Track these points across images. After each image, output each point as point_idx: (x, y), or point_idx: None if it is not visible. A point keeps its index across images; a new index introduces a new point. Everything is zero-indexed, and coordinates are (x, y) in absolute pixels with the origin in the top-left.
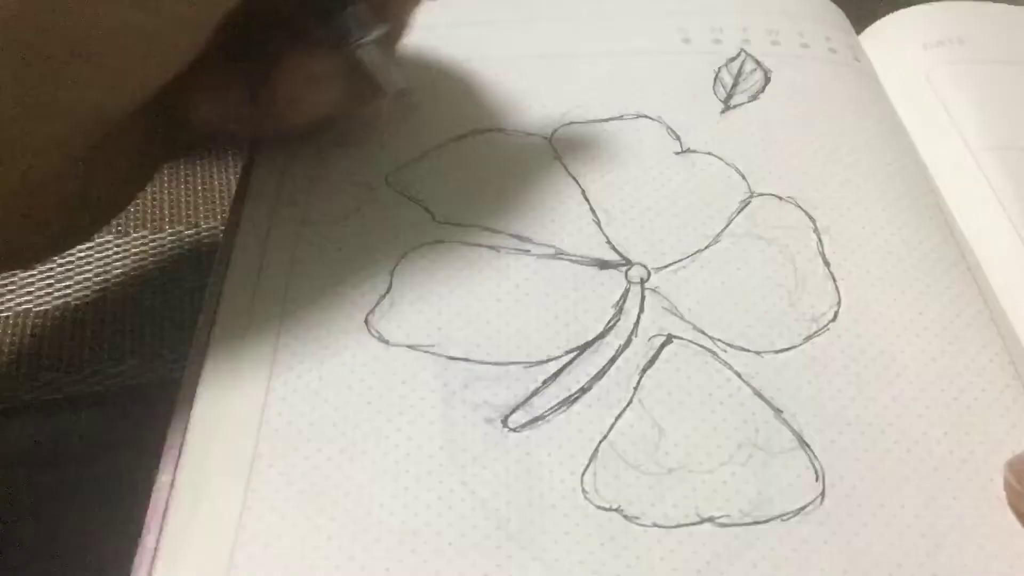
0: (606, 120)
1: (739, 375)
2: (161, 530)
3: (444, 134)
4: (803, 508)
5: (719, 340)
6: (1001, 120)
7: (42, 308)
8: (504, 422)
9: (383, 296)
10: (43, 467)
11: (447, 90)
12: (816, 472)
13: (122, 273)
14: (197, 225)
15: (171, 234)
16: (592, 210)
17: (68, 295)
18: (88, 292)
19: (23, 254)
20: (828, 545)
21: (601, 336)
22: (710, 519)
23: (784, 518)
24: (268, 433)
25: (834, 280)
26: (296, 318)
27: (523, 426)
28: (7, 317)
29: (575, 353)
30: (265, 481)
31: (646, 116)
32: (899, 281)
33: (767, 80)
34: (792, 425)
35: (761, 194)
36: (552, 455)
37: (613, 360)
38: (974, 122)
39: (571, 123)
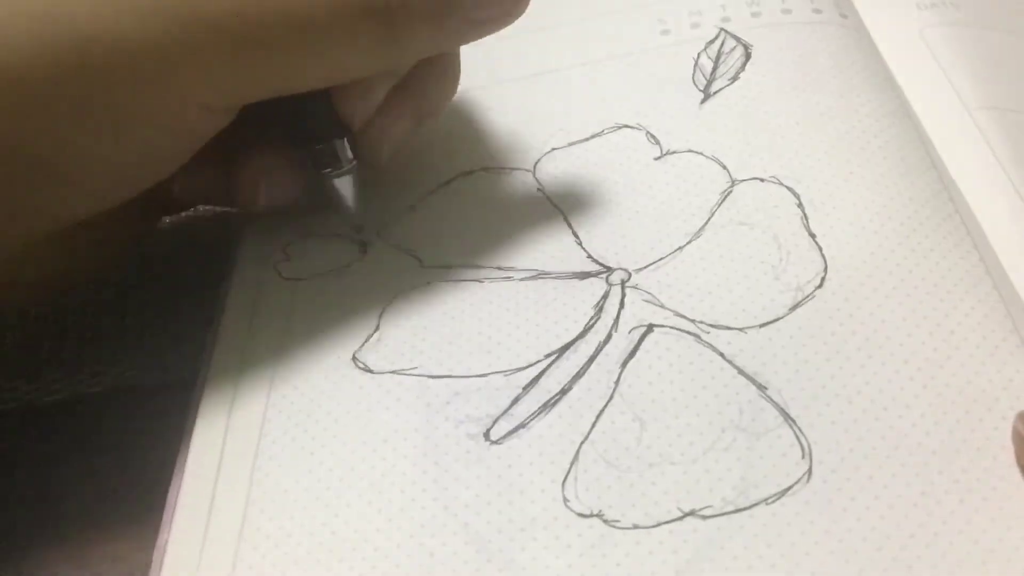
0: (587, 139)
1: (722, 355)
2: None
3: (433, 181)
4: (789, 488)
5: (701, 323)
6: (996, 82)
7: (42, 308)
8: (486, 435)
9: (371, 335)
10: (43, 467)
11: (430, 135)
12: (802, 448)
13: (121, 273)
14: (197, 224)
15: (171, 234)
16: (574, 232)
17: (68, 295)
18: (88, 292)
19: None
20: (815, 525)
21: (581, 335)
22: (691, 512)
23: (769, 501)
24: (261, 465)
25: (820, 249)
26: (288, 365)
27: (505, 436)
28: (7, 317)
29: (555, 356)
30: (259, 509)
31: (626, 126)
32: (887, 241)
33: (747, 56)
34: (777, 401)
35: (741, 180)
36: (533, 464)
37: (593, 357)
38: (970, 81)
39: (552, 150)
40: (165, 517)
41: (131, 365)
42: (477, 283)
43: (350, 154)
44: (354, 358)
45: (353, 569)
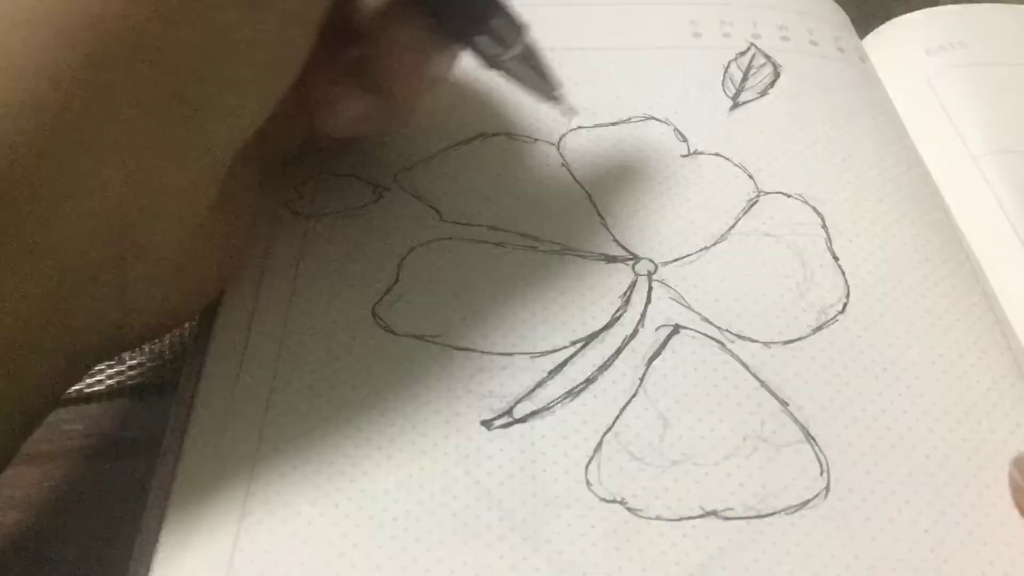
0: (614, 124)
1: (746, 366)
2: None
3: (450, 138)
4: (808, 502)
5: (727, 331)
6: (1003, 124)
7: None
8: (510, 413)
9: (390, 287)
10: (43, 467)
11: (452, 92)
12: (821, 465)
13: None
14: None
15: None
16: (599, 213)
17: None
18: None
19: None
20: (832, 540)
21: (607, 327)
22: (714, 512)
23: (788, 511)
24: (272, 420)
25: (843, 273)
26: (302, 309)
27: (528, 416)
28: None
29: (581, 344)
30: (271, 465)
31: (654, 118)
32: (907, 278)
33: (777, 75)
34: (798, 418)
35: (768, 192)
36: (557, 446)
37: (619, 351)
38: (975, 127)
39: (578, 128)
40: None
41: (131, 364)
42: (500, 247)
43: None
44: (375, 314)
45: (372, 519)
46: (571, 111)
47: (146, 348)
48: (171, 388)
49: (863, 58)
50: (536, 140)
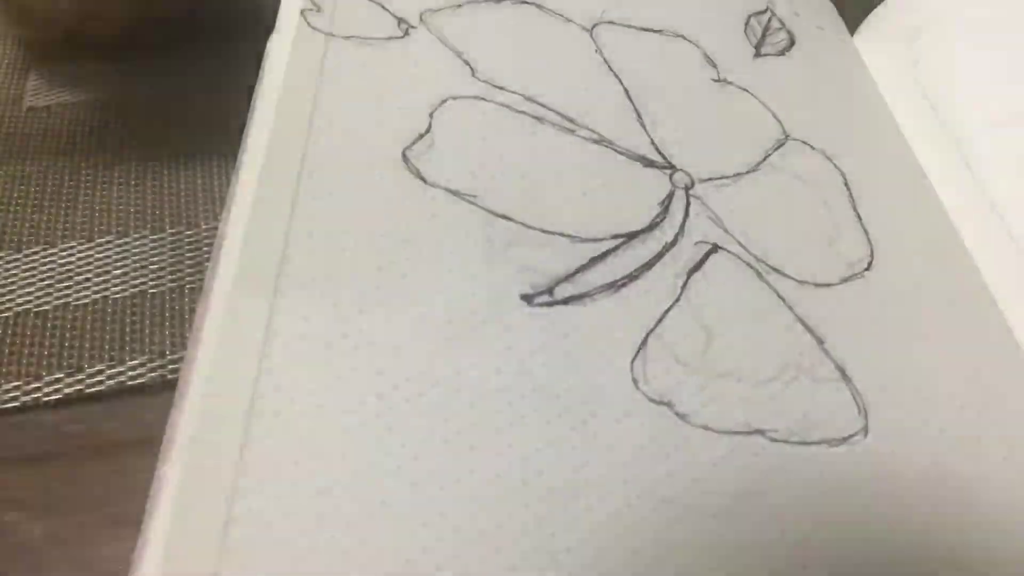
0: (644, 30)
1: (783, 299)
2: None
3: None
4: (849, 438)
5: (763, 261)
6: (988, 98)
7: (42, 309)
8: (550, 292)
9: (422, 135)
10: (45, 466)
11: None
12: (858, 406)
13: (122, 273)
14: (197, 225)
15: (171, 234)
16: (636, 109)
17: (68, 295)
18: (88, 292)
19: None
20: (872, 483)
21: (648, 230)
22: (760, 431)
23: (832, 443)
24: (288, 269)
25: (866, 233)
26: (323, 139)
27: (570, 299)
28: (7, 318)
29: (622, 240)
30: (288, 322)
31: (684, 37)
32: (920, 256)
33: (792, 42)
34: (834, 356)
35: (795, 139)
36: (602, 336)
37: (660, 256)
38: (957, 108)
39: (610, 22)
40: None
41: (131, 364)
42: (536, 121)
43: None
44: (405, 157)
45: (400, 388)
46: None
47: (146, 348)
48: (171, 388)
49: (856, 53)
50: (569, 21)
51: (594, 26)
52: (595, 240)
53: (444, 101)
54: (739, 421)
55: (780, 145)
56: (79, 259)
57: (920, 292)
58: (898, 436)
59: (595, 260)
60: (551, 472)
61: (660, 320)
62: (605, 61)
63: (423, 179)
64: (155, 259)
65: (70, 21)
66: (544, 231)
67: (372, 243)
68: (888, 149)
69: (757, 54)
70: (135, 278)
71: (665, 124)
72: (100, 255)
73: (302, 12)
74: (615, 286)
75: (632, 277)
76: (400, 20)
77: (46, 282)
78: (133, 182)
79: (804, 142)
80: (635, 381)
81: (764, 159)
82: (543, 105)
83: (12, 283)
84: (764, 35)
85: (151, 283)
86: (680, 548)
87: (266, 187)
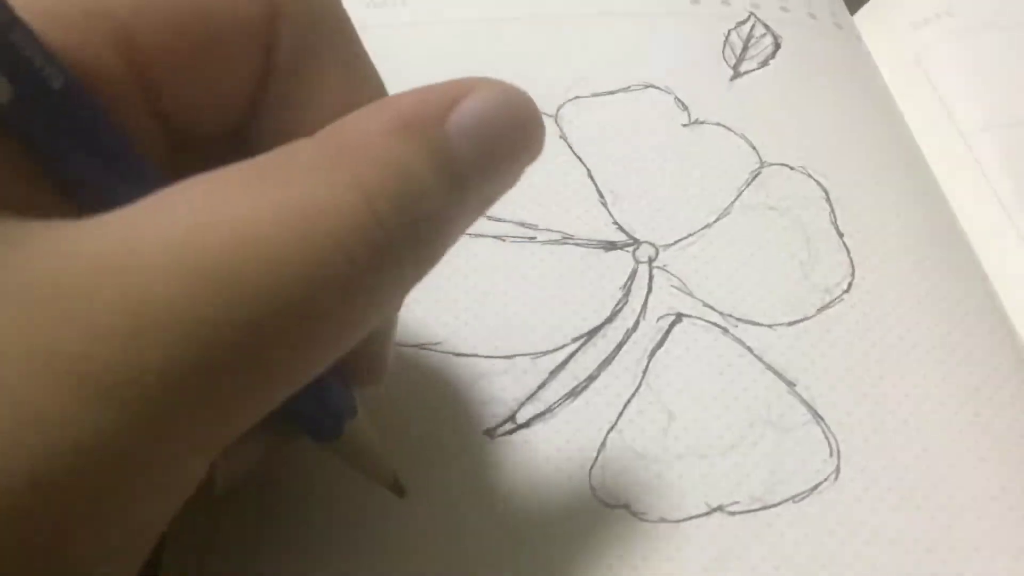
0: (612, 92)
1: (750, 350)
2: None
3: None
4: (817, 486)
5: (730, 316)
6: (990, 95)
7: None
8: (512, 419)
9: None
10: None
11: (447, 61)
12: (830, 447)
13: None
14: None
15: None
16: (598, 190)
17: None
18: None
19: None
20: (842, 526)
21: (609, 320)
22: (719, 508)
23: (797, 499)
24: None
25: (847, 251)
26: None
27: (532, 420)
28: None
29: (582, 340)
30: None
31: (653, 86)
32: (911, 255)
33: (777, 46)
34: (805, 398)
35: (771, 164)
36: (560, 450)
37: (621, 345)
38: (968, 103)
39: (576, 98)
40: None
41: None
42: (499, 241)
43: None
44: None
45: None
46: (401, 493)
47: None
48: None
49: (858, 37)
50: None
51: (560, 108)
52: (556, 349)
53: None
54: (697, 503)
55: (755, 175)
56: None
57: (910, 304)
58: (872, 472)
59: (555, 371)
60: None
61: (620, 414)
62: (569, 147)
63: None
64: None
65: None
66: (505, 357)
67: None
68: (885, 146)
69: (735, 75)
70: None
71: (628, 197)
72: None
73: None
74: (575, 392)
75: (592, 378)
76: None
77: None
78: None
79: (783, 164)
80: (592, 489)
81: (736, 198)
82: (503, 220)
83: None
84: (745, 48)
85: None
86: None
87: None
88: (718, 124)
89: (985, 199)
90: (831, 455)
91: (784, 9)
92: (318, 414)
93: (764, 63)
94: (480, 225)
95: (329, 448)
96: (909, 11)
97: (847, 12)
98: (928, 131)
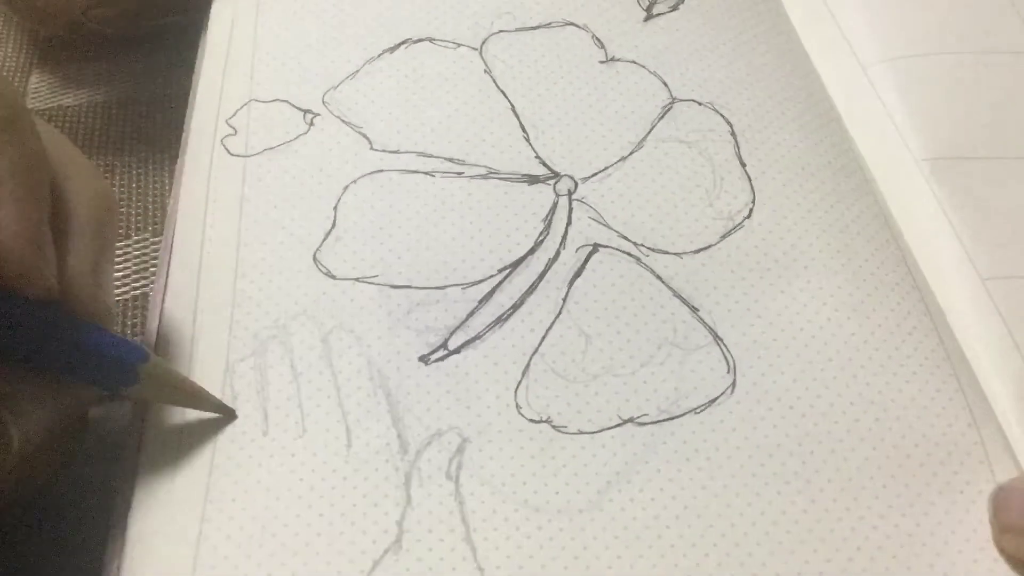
0: (535, 28)
1: (660, 278)
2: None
3: (376, 45)
4: (715, 399)
5: (642, 245)
6: (888, 29)
7: None
8: (445, 345)
9: (328, 232)
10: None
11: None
12: (728, 364)
13: (123, 275)
14: None
15: None
16: (522, 125)
17: None
18: None
19: None
20: (736, 432)
21: (531, 251)
22: (630, 419)
23: (697, 410)
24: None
25: (749, 179)
26: (249, 255)
27: (462, 347)
28: None
29: (507, 271)
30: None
31: (573, 24)
32: (807, 184)
33: None
34: (707, 322)
35: (682, 100)
36: (488, 373)
37: (543, 274)
38: (863, 36)
39: (500, 31)
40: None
41: None
42: (429, 177)
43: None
44: (315, 260)
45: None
46: (231, 414)
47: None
48: None
49: None
50: (459, 46)
51: (484, 42)
52: (484, 280)
53: (346, 188)
54: (611, 416)
55: (667, 111)
56: None
57: (805, 226)
58: (764, 384)
59: (483, 301)
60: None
61: (543, 338)
62: (493, 81)
63: (333, 276)
64: (156, 261)
65: (74, 10)
66: (437, 288)
67: (294, 351)
68: (789, 80)
69: (649, 16)
70: (136, 280)
71: (549, 132)
72: None
73: (223, 140)
74: (501, 320)
75: (516, 306)
76: (305, 112)
77: None
78: (134, 184)
79: (693, 100)
80: (518, 407)
81: (649, 131)
82: (433, 155)
83: None
84: None
85: (152, 285)
86: (544, 549)
87: (199, 320)
88: (632, 62)
89: (881, 126)
90: (728, 371)
91: None
92: (105, 368)
93: (675, 6)
94: (412, 162)
95: (135, 395)
96: None
97: None
98: (830, 63)
